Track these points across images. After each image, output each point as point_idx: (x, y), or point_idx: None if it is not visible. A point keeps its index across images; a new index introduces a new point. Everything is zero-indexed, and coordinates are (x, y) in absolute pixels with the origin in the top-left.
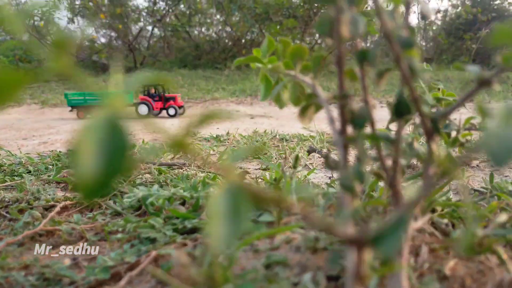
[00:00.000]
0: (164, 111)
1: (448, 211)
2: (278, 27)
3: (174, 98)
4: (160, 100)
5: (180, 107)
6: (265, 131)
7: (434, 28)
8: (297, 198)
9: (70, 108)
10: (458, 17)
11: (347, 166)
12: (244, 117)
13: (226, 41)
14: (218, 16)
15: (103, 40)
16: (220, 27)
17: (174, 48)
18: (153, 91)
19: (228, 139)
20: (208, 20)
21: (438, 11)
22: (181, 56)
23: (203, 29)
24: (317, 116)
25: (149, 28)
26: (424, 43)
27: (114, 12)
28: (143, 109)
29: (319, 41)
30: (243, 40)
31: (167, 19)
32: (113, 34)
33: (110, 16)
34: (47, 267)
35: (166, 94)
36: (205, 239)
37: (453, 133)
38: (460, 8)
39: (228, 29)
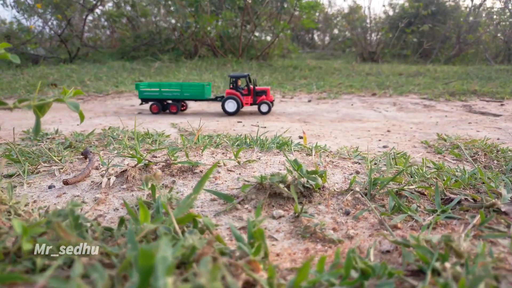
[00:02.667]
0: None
1: None
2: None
3: (266, 92)
4: (249, 95)
5: (271, 102)
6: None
7: (380, 21)
8: None
9: (140, 101)
10: (403, 10)
11: None
12: (130, 111)
13: (169, 32)
14: (162, 8)
15: (47, 31)
16: (161, 18)
17: (117, 39)
18: (239, 83)
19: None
20: (154, 10)
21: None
22: (122, 47)
23: (145, 20)
24: None
25: (90, 18)
26: (369, 37)
27: (51, 1)
28: (231, 105)
29: (256, 34)
30: (180, 33)
31: (107, 8)
32: (54, 23)
33: (47, 5)
34: None
35: (257, 87)
36: None
37: None
38: (405, 1)
39: (172, 20)
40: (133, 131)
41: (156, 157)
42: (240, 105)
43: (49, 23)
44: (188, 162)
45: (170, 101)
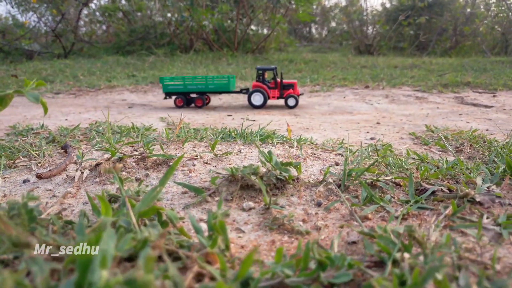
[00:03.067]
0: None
1: None
2: (214, 13)
3: (293, 86)
4: (275, 88)
5: (298, 96)
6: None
7: (377, 13)
8: None
9: (164, 96)
10: (400, 2)
11: None
12: (121, 106)
13: (164, 26)
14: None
15: (43, 26)
16: (157, 12)
17: (112, 34)
18: (266, 75)
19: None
20: (151, 4)
21: None
22: (117, 41)
23: (140, 14)
24: None
25: (85, 12)
26: (365, 29)
27: None
28: (258, 99)
29: (253, 27)
30: (176, 27)
31: (102, 2)
32: (50, 18)
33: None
34: None
35: (284, 81)
36: None
37: None
38: None
39: (168, 14)
40: (119, 125)
41: (136, 150)
42: (266, 98)
43: (44, 18)
44: (163, 155)
45: (194, 95)
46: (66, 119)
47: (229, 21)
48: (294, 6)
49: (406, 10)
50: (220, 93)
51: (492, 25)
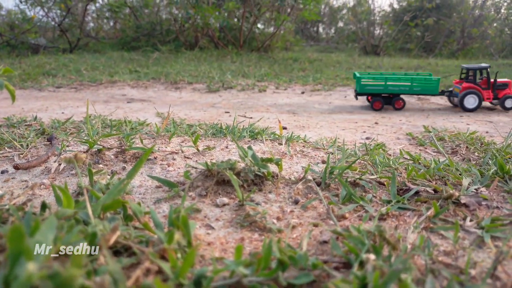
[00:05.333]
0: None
1: None
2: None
3: (507, 85)
4: (488, 88)
5: None
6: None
7: (385, 14)
8: None
9: (355, 96)
10: (408, 3)
11: None
12: (120, 101)
13: (171, 23)
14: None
15: (50, 21)
16: (163, 8)
17: (119, 29)
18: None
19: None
20: (157, 0)
21: None
22: (123, 37)
23: (147, 10)
24: None
25: (93, 8)
26: (372, 29)
27: None
28: (472, 101)
29: (259, 25)
30: (182, 24)
31: None
32: (58, 13)
33: None
34: None
35: (498, 80)
36: None
37: None
38: None
39: (174, 11)
40: (112, 119)
41: (122, 143)
42: (481, 100)
43: (52, 13)
44: (141, 148)
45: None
46: (63, 112)
47: (235, 19)
48: (301, 6)
49: (414, 11)
50: (422, 95)
51: (501, 28)
